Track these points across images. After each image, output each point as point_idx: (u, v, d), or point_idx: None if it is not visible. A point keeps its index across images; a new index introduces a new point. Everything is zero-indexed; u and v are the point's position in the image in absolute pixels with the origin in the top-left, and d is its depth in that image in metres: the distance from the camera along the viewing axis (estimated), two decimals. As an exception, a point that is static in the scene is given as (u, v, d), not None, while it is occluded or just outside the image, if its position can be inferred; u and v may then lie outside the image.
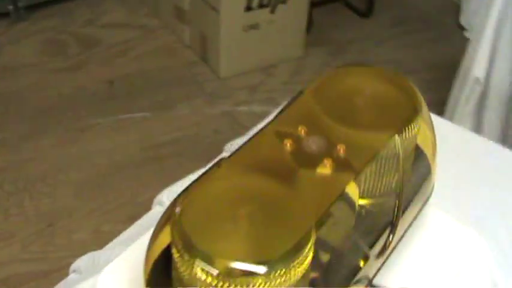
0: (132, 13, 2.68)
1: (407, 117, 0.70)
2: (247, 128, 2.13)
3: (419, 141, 0.73)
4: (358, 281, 0.65)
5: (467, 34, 2.86)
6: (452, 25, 2.93)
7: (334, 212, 0.59)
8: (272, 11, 2.34)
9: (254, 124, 2.15)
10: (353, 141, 0.66)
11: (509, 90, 1.83)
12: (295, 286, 0.56)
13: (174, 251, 0.56)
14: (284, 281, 0.54)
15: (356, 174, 0.63)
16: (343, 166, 0.63)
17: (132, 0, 2.74)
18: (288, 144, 0.65)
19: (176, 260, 0.56)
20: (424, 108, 0.73)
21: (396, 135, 0.68)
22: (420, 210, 0.77)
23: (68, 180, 1.93)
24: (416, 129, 0.70)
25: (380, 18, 2.91)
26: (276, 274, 0.53)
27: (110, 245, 0.88)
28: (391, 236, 0.68)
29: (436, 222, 0.80)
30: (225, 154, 1.13)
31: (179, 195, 0.60)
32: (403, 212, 0.70)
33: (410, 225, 0.74)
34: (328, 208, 0.59)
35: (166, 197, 1.00)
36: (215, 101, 2.31)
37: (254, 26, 2.33)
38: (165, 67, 2.43)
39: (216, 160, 0.64)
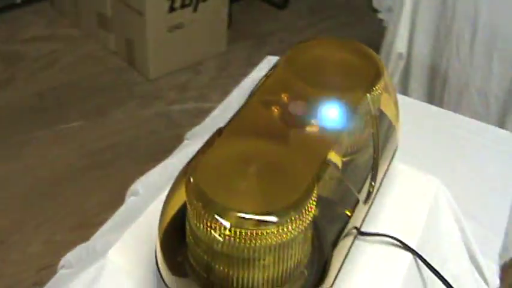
0: (52, 25, 2.66)
1: (373, 79, 0.77)
2: (182, 126, 2.19)
3: (384, 102, 0.80)
4: (350, 229, 0.72)
5: (380, 16, 3.00)
6: (365, 9, 3.07)
7: (329, 162, 0.66)
8: (194, 10, 2.39)
9: (189, 121, 2.20)
10: (330, 101, 0.72)
11: (430, 61, 1.95)
12: (303, 233, 0.62)
13: (189, 207, 0.61)
14: (293, 229, 0.59)
15: (342, 127, 0.69)
16: (328, 123, 0.70)
17: (51, 13, 2.71)
18: (276, 110, 0.71)
19: (191, 216, 0.61)
20: (386, 72, 0.80)
21: (368, 94, 0.75)
22: (389, 163, 0.85)
23: (13, 195, 1.91)
24: (381, 89, 0.78)
25: (296, 8, 3.01)
26: (287, 223, 0.59)
27: (98, 233, 0.91)
28: (373, 182, 0.75)
29: (403, 172, 0.88)
30: (186, 142, 1.18)
31: (190, 161, 0.64)
32: (379, 162, 0.77)
33: (384, 175, 0.82)
34: (324, 160, 0.65)
35: (141, 186, 1.03)
36: (148, 102, 2.33)
37: (178, 26, 2.37)
38: (93, 75, 2.43)
39: (212, 133, 0.69)
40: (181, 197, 0.66)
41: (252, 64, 2.61)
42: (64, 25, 2.67)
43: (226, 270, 0.62)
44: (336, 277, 0.68)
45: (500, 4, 1.70)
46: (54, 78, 2.38)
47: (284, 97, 0.72)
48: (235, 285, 0.63)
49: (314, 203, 0.61)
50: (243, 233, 0.58)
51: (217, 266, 0.62)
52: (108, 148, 2.11)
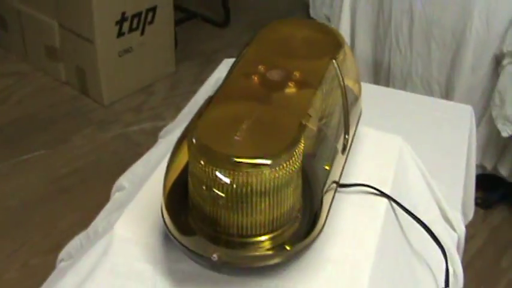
0: (1, 62, 2.69)
1: (336, 48, 0.87)
2: (141, 145, 2.25)
3: (347, 69, 0.89)
4: (332, 179, 0.80)
5: (317, 25, 3.14)
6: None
7: (310, 114, 0.74)
8: (142, 33, 2.46)
9: (147, 140, 2.27)
10: (302, 68, 0.81)
11: (373, 56, 2.08)
12: (294, 177, 0.70)
13: (193, 162, 0.68)
14: (285, 171, 0.68)
15: (315, 88, 0.78)
16: (303, 85, 0.78)
17: (-2, 50, 2.75)
18: (256, 78, 0.79)
19: (196, 170, 0.68)
20: (345, 44, 0.90)
21: (333, 60, 0.84)
22: (357, 124, 0.94)
23: (-16, 226, 1.93)
24: (344, 56, 0.87)
25: (237, 25, 3.12)
26: (279, 165, 0.67)
27: (94, 223, 0.97)
28: (346, 135, 0.84)
29: (369, 133, 0.97)
30: (161, 140, 1.25)
31: (189, 125, 0.72)
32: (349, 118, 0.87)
33: (354, 133, 0.91)
34: (306, 113, 0.74)
35: (126, 181, 1.09)
36: (105, 127, 2.39)
37: (128, 50, 2.44)
38: (48, 106, 2.47)
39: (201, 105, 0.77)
40: (181, 160, 0.74)
41: (201, 81, 2.69)
42: (12, 61, 2.71)
43: (227, 218, 0.69)
44: (325, 222, 0.77)
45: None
46: (11, 113, 2.41)
47: (261, 68, 0.81)
48: (236, 231, 0.70)
49: (302, 147, 0.70)
50: (242, 176, 0.66)
51: (219, 216, 0.69)
52: (73, 172, 2.16)
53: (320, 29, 0.92)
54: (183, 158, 0.73)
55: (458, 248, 1.03)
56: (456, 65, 1.88)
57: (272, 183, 0.68)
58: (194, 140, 0.69)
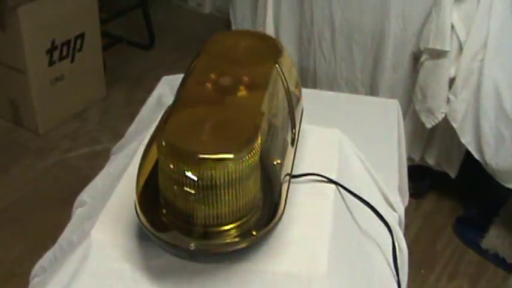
0: None
1: (277, 54, 0.96)
2: (82, 169, 2.28)
3: (288, 73, 0.98)
4: (286, 170, 0.89)
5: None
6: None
7: (263, 113, 0.83)
8: (72, 60, 2.49)
9: (86, 164, 2.30)
10: (249, 73, 0.90)
11: (298, 64, 2.19)
12: (254, 169, 0.78)
13: (163, 161, 0.75)
14: (247, 163, 0.76)
15: (264, 89, 0.87)
16: (253, 88, 0.87)
17: None
18: (209, 85, 0.87)
19: (165, 168, 0.75)
20: (285, 50, 0.99)
21: (276, 65, 0.93)
22: (300, 121, 1.03)
23: None
24: (284, 61, 0.96)
25: (162, 47, 3.18)
26: (241, 158, 0.75)
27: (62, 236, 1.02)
28: (294, 130, 0.93)
29: (311, 129, 1.07)
30: (114, 156, 1.30)
31: (155, 130, 0.80)
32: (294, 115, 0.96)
33: (299, 129, 1.00)
34: (259, 112, 0.82)
35: (87, 196, 1.15)
36: (44, 155, 2.40)
37: (59, 78, 2.47)
38: (-18, 141, 2.48)
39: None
40: (150, 164, 0.81)
41: (133, 103, 2.76)
42: None
43: (199, 210, 0.77)
44: (284, 208, 0.85)
45: (350, 4, 1.96)
46: None
47: (213, 75, 0.89)
48: (208, 222, 0.77)
49: (259, 142, 0.78)
50: (209, 171, 0.74)
51: (190, 209, 0.77)
52: (17, 202, 2.17)
53: (260, 37, 1.01)
54: (152, 161, 0.80)
55: (400, 226, 1.13)
56: (378, 65, 2.01)
57: (236, 176, 0.76)
58: (163, 142, 0.76)
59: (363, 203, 0.98)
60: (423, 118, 1.93)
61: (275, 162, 0.85)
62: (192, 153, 0.74)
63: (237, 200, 0.78)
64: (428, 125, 1.93)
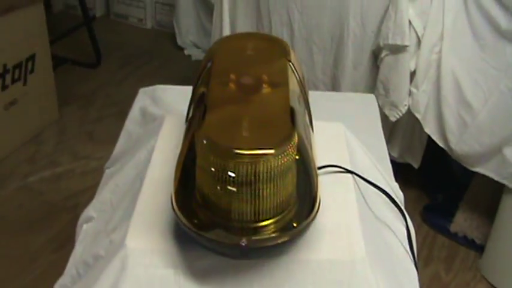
0: None
1: (286, 51, 0.99)
2: (45, 193, 2.25)
3: (298, 68, 1.01)
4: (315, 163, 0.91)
5: (186, 52, 3.27)
6: (172, 49, 3.32)
7: (294, 108, 0.85)
8: (24, 83, 2.45)
9: (49, 187, 2.27)
10: (267, 71, 0.93)
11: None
12: (293, 164, 0.81)
13: (201, 157, 0.77)
14: (286, 158, 0.78)
15: (286, 85, 0.89)
16: (275, 85, 0.90)
17: None
18: (232, 85, 0.89)
19: (206, 166, 0.77)
20: (292, 50, 1.02)
21: (289, 62, 0.96)
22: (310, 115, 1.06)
23: None
24: (294, 59, 0.99)
25: (109, 64, 3.16)
26: (281, 153, 0.77)
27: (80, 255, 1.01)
28: (311, 123, 0.96)
29: (317, 124, 1.09)
30: (108, 170, 1.30)
31: (186, 134, 0.81)
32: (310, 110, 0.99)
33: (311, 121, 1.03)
34: (289, 107, 0.85)
35: (93, 210, 1.14)
36: (3, 182, 2.35)
37: (13, 102, 2.42)
38: None
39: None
40: (186, 167, 0.83)
41: (87, 122, 2.73)
42: None
43: (241, 206, 0.78)
44: (320, 201, 0.87)
45: (308, 7, 2.01)
46: None
47: (233, 76, 0.91)
48: (250, 218, 0.79)
49: (296, 138, 0.80)
50: (251, 166, 0.76)
51: (233, 205, 0.78)
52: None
53: (264, 38, 1.04)
54: (184, 164, 0.81)
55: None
56: (339, 65, 2.06)
57: (277, 170, 0.78)
58: (204, 141, 0.78)
59: (379, 190, 1.02)
60: (387, 112, 2.00)
61: (308, 155, 0.88)
62: (234, 149, 0.76)
63: (278, 195, 0.80)
64: (393, 118, 2.00)
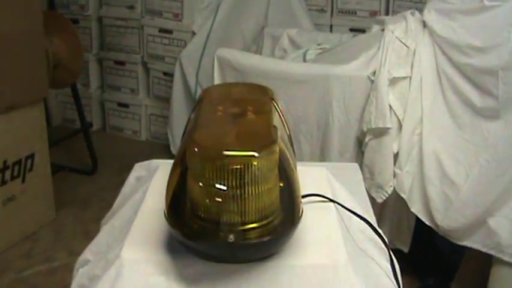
0: None
1: (269, 93, 1.09)
2: (39, 285, 2.26)
3: (280, 109, 1.11)
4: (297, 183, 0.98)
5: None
6: (166, 158, 3.41)
7: (276, 127, 0.94)
8: (23, 181, 2.53)
9: (44, 280, 2.28)
10: (252, 105, 1.02)
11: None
12: (276, 170, 0.88)
13: (192, 164, 0.84)
14: (269, 162, 0.86)
15: (269, 114, 0.98)
16: (259, 113, 0.99)
17: None
18: (221, 113, 0.98)
19: (197, 172, 0.84)
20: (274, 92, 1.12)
21: (272, 100, 1.06)
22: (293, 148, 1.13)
23: None
24: (276, 100, 1.09)
25: (105, 170, 3.26)
26: (264, 157, 0.85)
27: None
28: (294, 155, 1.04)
29: (302, 168, 1.17)
30: (104, 226, 1.35)
31: (180, 150, 0.89)
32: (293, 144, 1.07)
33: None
34: (272, 126, 0.93)
35: (90, 254, 1.18)
36: (-1, 276, 2.37)
37: (11, 198, 2.48)
38: None
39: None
40: (173, 187, 0.90)
41: (84, 223, 2.78)
42: None
43: (226, 208, 0.84)
44: (302, 211, 0.93)
45: (295, 98, 2.13)
46: None
47: (220, 108, 1.00)
48: (234, 220, 0.85)
49: (278, 147, 0.88)
50: (239, 167, 0.83)
51: (218, 208, 0.84)
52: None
53: (249, 85, 1.15)
54: (175, 186, 0.89)
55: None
56: (326, 153, 2.16)
57: (261, 173, 0.85)
58: (196, 149, 0.85)
59: (361, 219, 1.08)
60: (373, 194, 2.07)
61: (291, 169, 0.95)
62: (222, 151, 0.83)
63: (263, 197, 0.86)
64: (379, 200, 2.07)
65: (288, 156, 0.98)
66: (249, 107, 1.00)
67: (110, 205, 2.80)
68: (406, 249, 2.23)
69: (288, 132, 1.07)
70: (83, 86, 3.66)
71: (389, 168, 2.04)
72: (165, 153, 3.48)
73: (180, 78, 3.20)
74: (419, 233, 2.18)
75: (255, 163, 0.84)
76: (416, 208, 2.03)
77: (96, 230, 2.73)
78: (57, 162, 3.14)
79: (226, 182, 0.84)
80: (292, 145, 1.09)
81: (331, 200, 1.07)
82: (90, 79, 3.70)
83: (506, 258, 1.79)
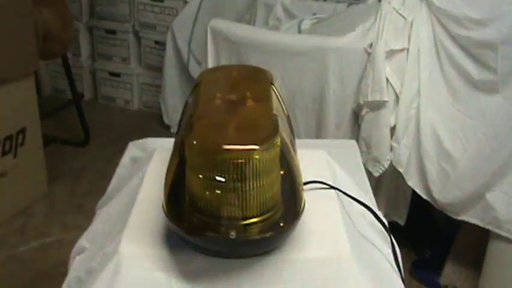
0: None
1: (269, 78, 1.06)
2: (35, 262, 2.25)
3: (279, 93, 1.08)
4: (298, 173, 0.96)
5: (173, 130, 3.34)
6: (159, 128, 3.39)
7: (277, 115, 0.91)
8: (14, 156, 2.49)
9: (39, 257, 2.27)
10: (251, 91, 0.99)
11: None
12: (277, 162, 0.85)
13: (191, 157, 0.81)
14: (270, 154, 0.83)
15: (269, 101, 0.95)
16: (258, 100, 0.96)
17: None
18: (219, 101, 0.95)
19: (194, 163, 0.81)
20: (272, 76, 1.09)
21: (271, 85, 1.02)
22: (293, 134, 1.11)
23: None
24: (276, 84, 1.06)
25: (98, 142, 3.22)
26: (266, 149, 0.82)
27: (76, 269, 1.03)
28: (294, 141, 1.02)
29: (301, 151, 1.15)
30: (99, 211, 1.33)
31: (177, 139, 0.86)
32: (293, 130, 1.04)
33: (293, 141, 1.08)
34: (272, 114, 0.90)
35: (86, 241, 1.16)
36: (-8, 252, 2.36)
37: (3, 174, 2.46)
38: None
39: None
40: (171, 181, 0.87)
41: (77, 195, 2.75)
42: None
43: (227, 202, 0.82)
44: (304, 204, 0.91)
45: (290, 70, 2.09)
46: None
47: (219, 94, 0.97)
48: (235, 215, 0.83)
49: (279, 139, 0.85)
50: (238, 160, 0.80)
51: (218, 202, 0.82)
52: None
53: (248, 67, 1.11)
54: (175, 174, 0.86)
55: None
56: (321, 126, 2.13)
57: (260, 164, 0.82)
58: (194, 141, 0.82)
59: (362, 205, 1.06)
60: (370, 168, 2.05)
61: (292, 160, 0.92)
62: (221, 145, 0.80)
63: (264, 191, 0.84)
64: (376, 174, 2.05)
65: (289, 144, 0.95)
66: (248, 93, 0.97)
67: (103, 177, 2.78)
68: (402, 222, 2.22)
69: (286, 113, 1.04)
70: (73, 55, 3.60)
71: (386, 142, 2.02)
72: (158, 122, 3.45)
73: (172, 47, 3.16)
74: (415, 205, 2.17)
75: (257, 156, 0.81)
76: (413, 182, 2.02)
77: (90, 204, 2.71)
78: (48, 133, 3.11)
79: (226, 176, 0.81)
80: (292, 129, 1.06)
81: (332, 187, 1.05)
82: (81, 48, 3.64)
83: (504, 234, 1.79)
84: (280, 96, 1.03)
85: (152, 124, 3.48)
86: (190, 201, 0.86)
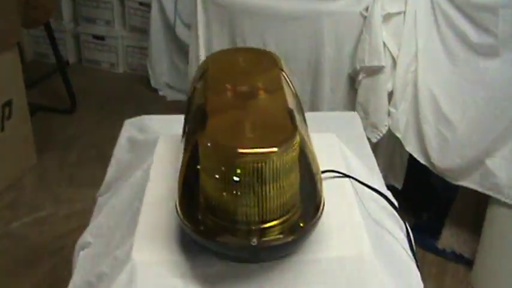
0: None
1: (277, 62, 1.01)
2: (29, 238, 2.22)
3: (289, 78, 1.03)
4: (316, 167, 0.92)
5: (161, 93, 3.28)
6: (146, 91, 3.33)
7: (293, 110, 0.87)
8: (2, 129, 2.43)
9: (34, 231, 2.24)
10: (261, 80, 0.94)
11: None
12: (296, 163, 0.82)
13: (206, 161, 0.78)
14: (290, 156, 0.79)
15: (281, 91, 0.91)
16: (271, 91, 0.91)
17: None
18: (230, 94, 0.91)
19: (209, 167, 0.78)
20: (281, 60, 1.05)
21: (281, 71, 0.98)
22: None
23: None
24: (284, 67, 1.02)
25: (84, 108, 3.16)
26: (285, 151, 0.79)
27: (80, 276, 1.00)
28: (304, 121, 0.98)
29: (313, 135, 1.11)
30: (100, 198, 1.29)
31: (186, 145, 0.82)
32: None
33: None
34: (288, 109, 0.86)
35: (90, 236, 1.13)
36: (-15, 229, 2.32)
37: (-9, 149, 2.40)
38: None
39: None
40: (187, 172, 0.83)
41: (67, 166, 2.71)
42: None
43: (244, 207, 0.79)
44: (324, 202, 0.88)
45: (283, 35, 2.04)
46: None
47: (228, 86, 0.92)
48: (253, 219, 0.79)
49: (298, 137, 0.82)
50: (256, 165, 0.77)
51: (235, 206, 0.79)
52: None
53: (255, 51, 1.06)
54: (188, 175, 0.82)
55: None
56: (317, 91, 2.09)
57: (279, 166, 0.78)
58: (209, 144, 0.78)
59: (377, 193, 1.04)
60: (368, 133, 2.02)
61: (310, 156, 0.89)
62: (238, 149, 0.77)
63: (283, 194, 0.81)
64: (374, 139, 2.03)
65: (305, 136, 0.92)
66: (259, 84, 0.92)
67: (92, 146, 2.73)
68: (399, 186, 2.21)
69: (299, 104, 1.00)
70: (55, 19, 3.48)
71: (383, 107, 1.99)
72: (145, 85, 3.38)
73: (158, 8, 3.09)
74: (412, 168, 2.16)
75: (275, 159, 0.78)
76: (412, 147, 2.00)
77: (81, 174, 2.67)
78: (34, 102, 3.04)
79: (243, 179, 0.77)
80: (304, 117, 1.02)
81: (346, 176, 1.02)
82: (63, 12, 3.53)
83: (504, 199, 1.78)
84: (291, 82, 0.99)
85: (139, 87, 3.42)
86: (205, 203, 0.82)
